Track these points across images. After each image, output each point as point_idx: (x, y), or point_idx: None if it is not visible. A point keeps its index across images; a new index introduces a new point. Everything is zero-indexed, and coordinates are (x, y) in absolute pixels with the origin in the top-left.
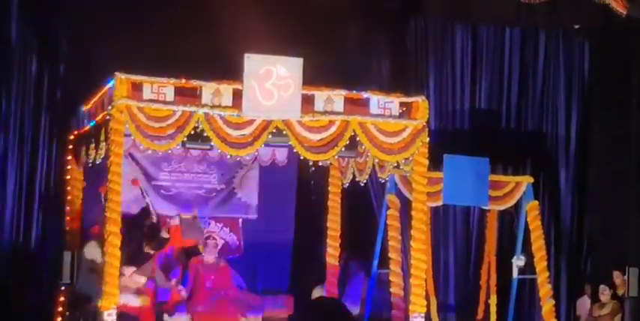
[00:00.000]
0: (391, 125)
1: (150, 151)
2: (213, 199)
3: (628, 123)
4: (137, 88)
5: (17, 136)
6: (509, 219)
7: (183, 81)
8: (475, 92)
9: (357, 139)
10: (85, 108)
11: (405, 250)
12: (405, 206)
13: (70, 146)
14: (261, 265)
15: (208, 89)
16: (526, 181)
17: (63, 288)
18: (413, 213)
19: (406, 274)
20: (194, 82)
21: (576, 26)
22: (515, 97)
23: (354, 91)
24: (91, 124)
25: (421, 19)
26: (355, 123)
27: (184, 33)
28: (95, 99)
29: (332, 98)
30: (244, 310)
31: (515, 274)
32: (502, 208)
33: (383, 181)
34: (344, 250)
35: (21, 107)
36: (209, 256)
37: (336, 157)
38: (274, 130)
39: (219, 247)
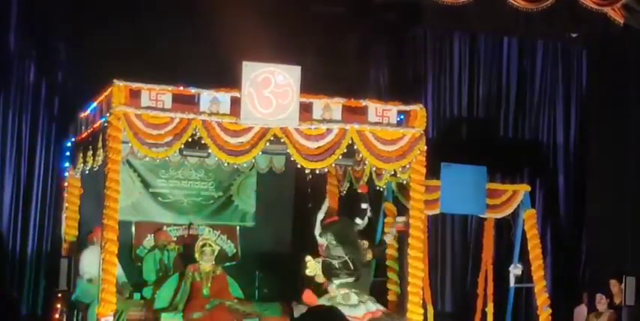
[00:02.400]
0: (389, 133)
1: (147, 158)
2: (211, 206)
3: (626, 131)
4: (135, 95)
5: (15, 143)
6: (507, 227)
7: (181, 88)
8: (473, 101)
9: (355, 147)
10: (82, 115)
11: (403, 258)
12: (403, 214)
13: (68, 153)
14: (258, 273)
15: (206, 97)
16: (523, 189)
17: (59, 295)
18: (410, 221)
19: (403, 282)
20: (192, 90)
21: (574, 35)
22: (513, 105)
23: (353, 99)
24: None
25: (420, 28)
26: (353, 131)
27: (183, 40)
28: (93, 106)
29: (330, 106)
30: (241, 318)
31: (512, 282)
32: (499, 216)
33: (380, 189)
34: None
35: (19, 114)
36: (206, 264)
37: (334, 164)
38: (272, 138)
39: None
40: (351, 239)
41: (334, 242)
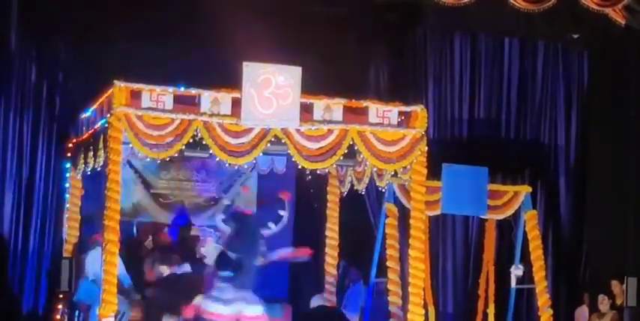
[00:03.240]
0: (390, 134)
1: (148, 159)
2: (212, 207)
3: (627, 132)
4: (136, 96)
5: (16, 144)
6: (508, 228)
7: (182, 89)
8: (474, 101)
9: (356, 147)
10: (83, 116)
11: (404, 259)
12: (404, 215)
13: (69, 154)
14: (259, 274)
15: (207, 97)
16: (524, 190)
17: (61, 296)
18: (411, 222)
19: (404, 283)
20: (193, 91)
21: (575, 36)
22: (514, 106)
23: (353, 100)
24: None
25: (421, 28)
26: (354, 132)
27: (183, 41)
28: (94, 107)
29: (331, 107)
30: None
31: (513, 283)
32: (500, 217)
33: (381, 189)
34: (342, 258)
35: (20, 115)
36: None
37: (335, 165)
38: (273, 139)
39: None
40: (254, 239)
41: (233, 234)
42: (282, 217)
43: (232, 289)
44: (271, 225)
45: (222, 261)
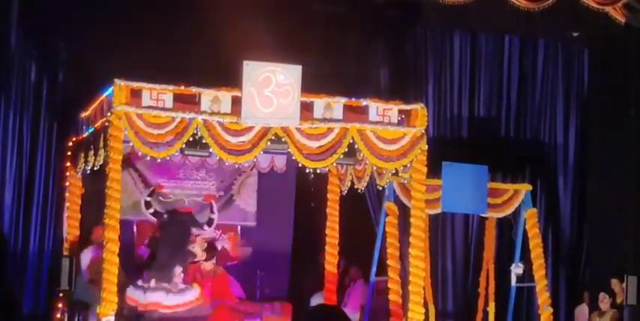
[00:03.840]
0: (390, 133)
1: (148, 158)
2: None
3: (627, 131)
4: (136, 94)
5: (16, 143)
6: (508, 227)
7: (183, 88)
8: (474, 100)
9: (356, 146)
10: (83, 114)
11: (404, 258)
12: (404, 213)
13: (69, 153)
14: (260, 273)
15: (207, 96)
16: (524, 188)
17: (61, 294)
18: (411, 220)
19: (404, 282)
20: (193, 89)
21: (575, 34)
22: (514, 104)
23: (353, 99)
24: (90, 130)
25: (421, 27)
26: (354, 130)
27: (184, 40)
28: (94, 105)
29: (331, 105)
30: (242, 318)
31: (513, 281)
32: (501, 215)
33: (381, 188)
34: (342, 257)
35: (20, 114)
36: (207, 263)
37: (335, 164)
38: (273, 137)
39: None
40: (185, 235)
41: (164, 228)
42: (212, 220)
43: (154, 282)
44: (206, 228)
45: (157, 257)
